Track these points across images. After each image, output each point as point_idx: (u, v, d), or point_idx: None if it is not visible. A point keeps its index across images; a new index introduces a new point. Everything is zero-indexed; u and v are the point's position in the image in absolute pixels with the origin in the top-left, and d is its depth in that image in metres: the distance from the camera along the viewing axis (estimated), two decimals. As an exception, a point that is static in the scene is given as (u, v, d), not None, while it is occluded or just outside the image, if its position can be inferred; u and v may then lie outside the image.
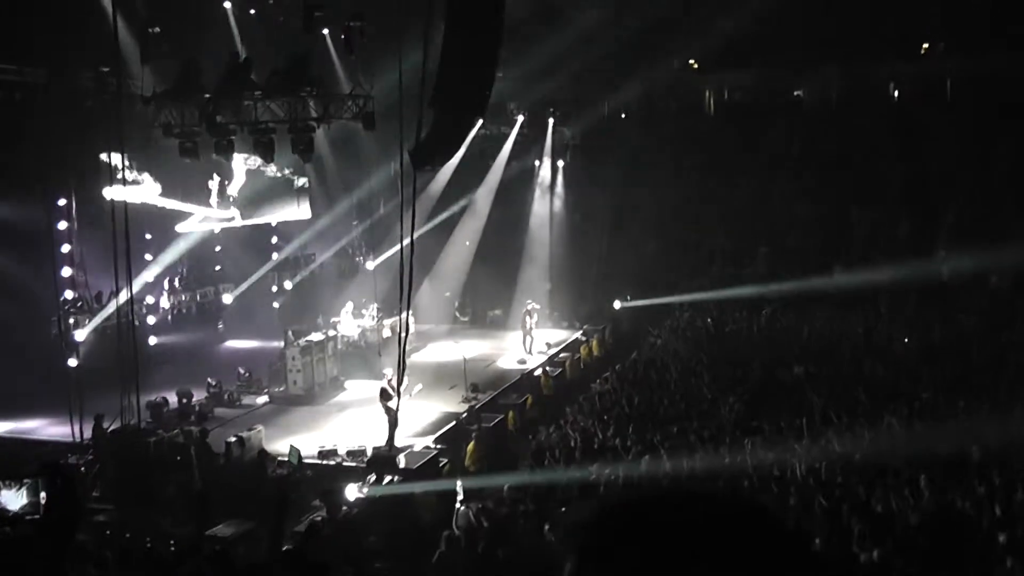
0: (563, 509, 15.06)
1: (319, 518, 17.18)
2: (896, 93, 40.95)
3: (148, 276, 28.09)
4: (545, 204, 39.59)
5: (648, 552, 1.64)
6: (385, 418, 21.19)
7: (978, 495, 15.68)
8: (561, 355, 31.02)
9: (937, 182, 37.02)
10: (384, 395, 21.55)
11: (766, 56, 37.48)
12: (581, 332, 33.81)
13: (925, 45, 39.87)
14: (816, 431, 19.86)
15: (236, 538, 16.41)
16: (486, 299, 37.03)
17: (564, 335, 34.13)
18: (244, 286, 32.52)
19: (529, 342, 31.45)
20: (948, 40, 38.63)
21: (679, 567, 1.62)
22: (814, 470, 17.30)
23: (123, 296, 22.71)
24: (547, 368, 28.61)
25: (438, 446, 21.29)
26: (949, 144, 36.29)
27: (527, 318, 31.60)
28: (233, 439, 20.75)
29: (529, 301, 32.46)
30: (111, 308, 24.90)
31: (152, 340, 28.70)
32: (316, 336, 27.78)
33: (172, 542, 15.64)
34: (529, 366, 29.73)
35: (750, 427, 20.57)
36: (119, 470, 19.45)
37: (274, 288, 34.91)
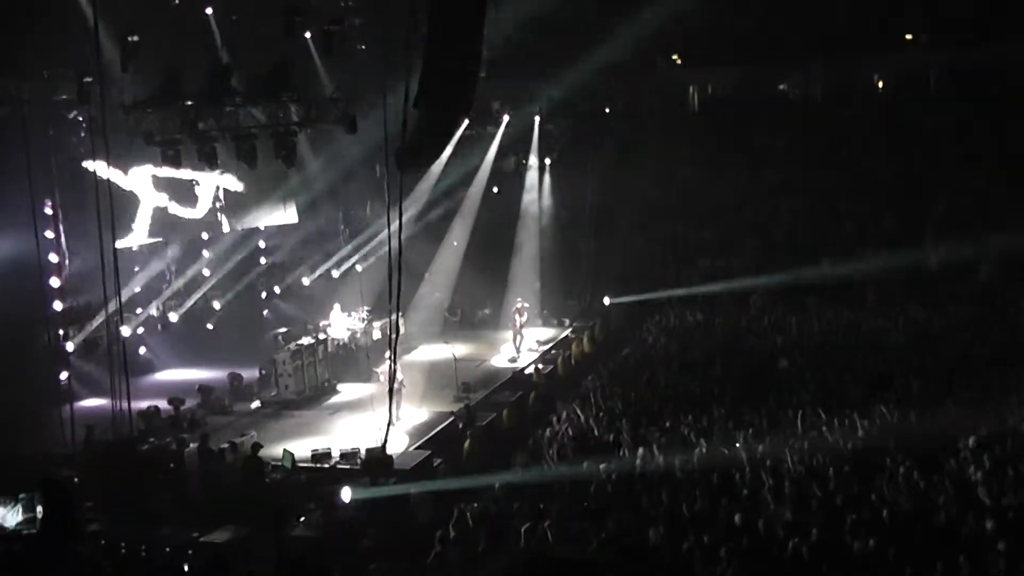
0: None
1: (315, 521, 17.18)
2: (880, 85, 41.04)
3: (136, 286, 28.02)
4: (533, 202, 39.56)
5: None
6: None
7: (969, 482, 15.78)
8: (552, 352, 31.05)
9: (924, 174, 37.12)
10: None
11: (749, 50, 37.53)
12: (571, 329, 33.84)
13: (908, 36, 39.93)
14: (808, 422, 19.92)
15: (231, 544, 16.40)
16: (475, 299, 37.00)
17: (554, 332, 34.18)
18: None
19: (519, 340, 31.44)
20: (931, 31, 38.74)
21: None
22: (806, 461, 17.35)
23: (112, 306, 22.66)
24: (539, 366, 28.64)
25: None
26: (934, 135, 36.41)
27: (517, 316, 31.60)
28: (226, 445, 20.72)
29: (519, 299, 32.46)
30: (100, 318, 24.83)
31: (142, 350, 28.65)
32: (306, 340, 27.76)
33: (167, 549, 15.61)
34: (519, 364, 29.75)
35: (742, 420, 20.59)
36: (112, 480, 19.37)
37: (263, 294, 34.86)
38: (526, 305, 32.41)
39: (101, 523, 17.46)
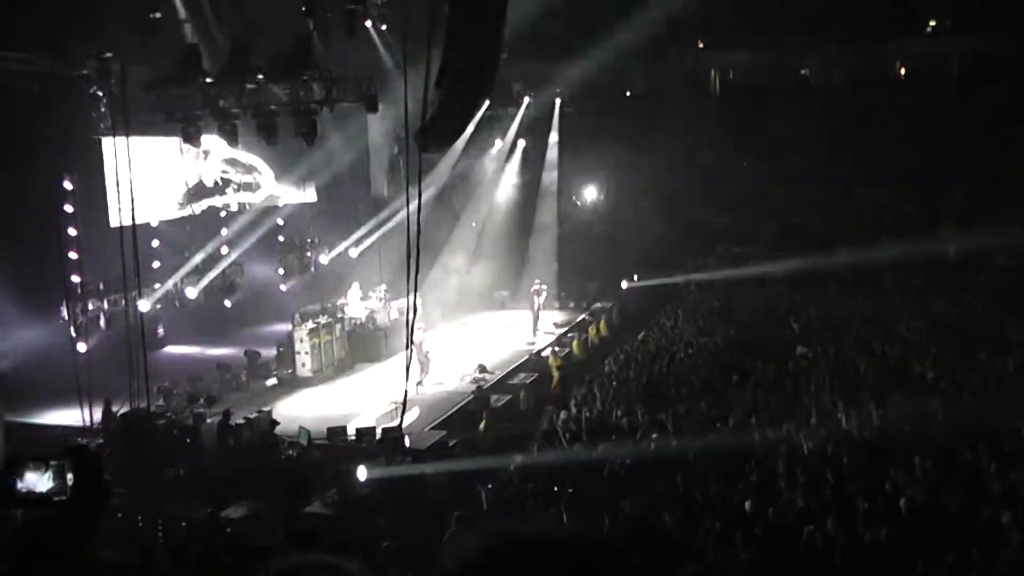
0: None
1: (329, 498, 17.25)
2: (902, 71, 40.78)
3: (154, 262, 28.10)
4: (552, 184, 39.53)
5: None
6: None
7: (982, 473, 15.75)
8: (569, 335, 31.08)
9: (944, 160, 36.92)
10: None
11: (772, 35, 37.33)
12: (588, 312, 33.86)
13: (932, 23, 39.67)
14: (823, 411, 19.91)
15: (246, 519, 16.49)
16: (494, 279, 37.05)
17: (571, 315, 34.23)
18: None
19: (536, 322, 31.51)
20: (954, 17, 38.46)
21: None
22: (821, 449, 17.34)
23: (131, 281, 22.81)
24: (555, 348, 28.68)
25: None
26: (956, 122, 36.18)
27: (535, 298, 31.69)
28: (242, 421, 20.83)
29: (536, 281, 32.52)
30: (120, 295, 24.93)
31: (160, 331, 28.77)
32: (323, 318, 27.85)
33: (183, 523, 15.71)
34: (536, 346, 29.84)
35: (758, 406, 20.57)
36: (129, 453, 19.52)
37: (281, 271, 34.91)
38: (544, 287, 32.48)
39: (118, 497, 17.61)
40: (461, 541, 1.80)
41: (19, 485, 3.24)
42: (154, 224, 28.05)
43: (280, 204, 33.78)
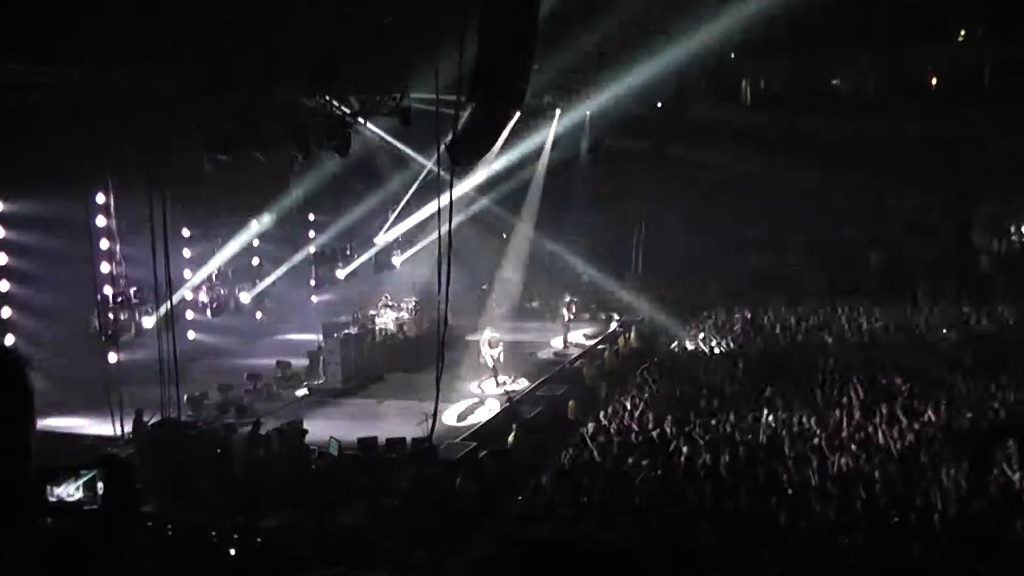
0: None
1: (360, 508, 17.28)
2: (934, 81, 40.46)
3: (187, 273, 28.24)
4: (581, 195, 39.47)
5: None
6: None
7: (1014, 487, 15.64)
8: (599, 346, 31.07)
9: (976, 170, 36.72)
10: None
11: (802, 44, 37.11)
12: (619, 323, 33.84)
13: (963, 32, 39.36)
14: (854, 422, 19.81)
15: (277, 530, 16.53)
16: (524, 291, 37.06)
17: (601, 327, 34.26)
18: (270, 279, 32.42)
19: (567, 335, 31.59)
20: (986, 26, 38.14)
21: None
22: (853, 462, 17.27)
23: (163, 292, 22.97)
24: (587, 360, 28.73)
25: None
26: (987, 132, 35.96)
27: (565, 311, 31.79)
28: (273, 431, 20.90)
29: (567, 294, 32.62)
30: (152, 305, 25.10)
31: (191, 335, 28.85)
32: (354, 329, 27.93)
33: (214, 533, 15.77)
34: (566, 357, 29.96)
35: (789, 418, 20.47)
36: (160, 464, 19.61)
37: (312, 282, 34.95)
38: (575, 300, 32.58)
39: (149, 505, 17.71)
40: (476, 545, 1.81)
41: (51, 494, 3.27)
42: (186, 234, 28.20)
43: (311, 216, 33.85)
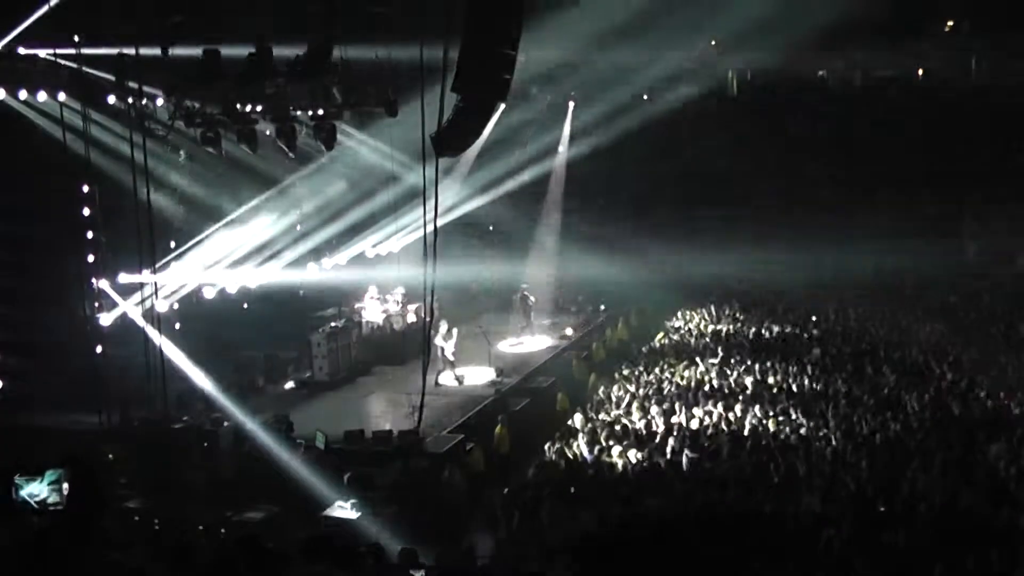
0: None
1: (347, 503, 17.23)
2: (921, 73, 40.49)
3: (174, 263, 28.05)
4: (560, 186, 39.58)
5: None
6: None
7: (1001, 477, 15.74)
8: (587, 338, 31.06)
9: (963, 163, 36.84)
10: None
11: (790, 36, 37.05)
12: (605, 315, 33.82)
13: (950, 23, 39.37)
14: (841, 413, 19.95)
15: (263, 523, 16.51)
16: (510, 283, 36.95)
17: (586, 318, 34.24)
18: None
19: (525, 325, 31.47)
20: (973, 19, 38.17)
21: None
22: (840, 453, 17.38)
23: (147, 283, 22.88)
24: (577, 351, 28.69)
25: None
26: (975, 124, 36.06)
27: (523, 302, 31.60)
28: (259, 424, 20.85)
29: (523, 285, 32.42)
30: (136, 296, 24.91)
31: (177, 326, 28.67)
32: (341, 322, 27.85)
33: (200, 527, 15.73)
34: (535, 348, 30.03)
35: (776, 410, 20.56)
36: (146, 458, 19.57)
37: (300, 274, 34.68)
38: (529, 290, 32.32)
39: (135, 501, 17.67)
40: (579, 520, 1.79)
41: (18, 494, 3.24)
42: (175, 224, 28.03)
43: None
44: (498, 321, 32.63)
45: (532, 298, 31.96)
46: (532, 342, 30.90)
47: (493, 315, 33.84)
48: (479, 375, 26.27)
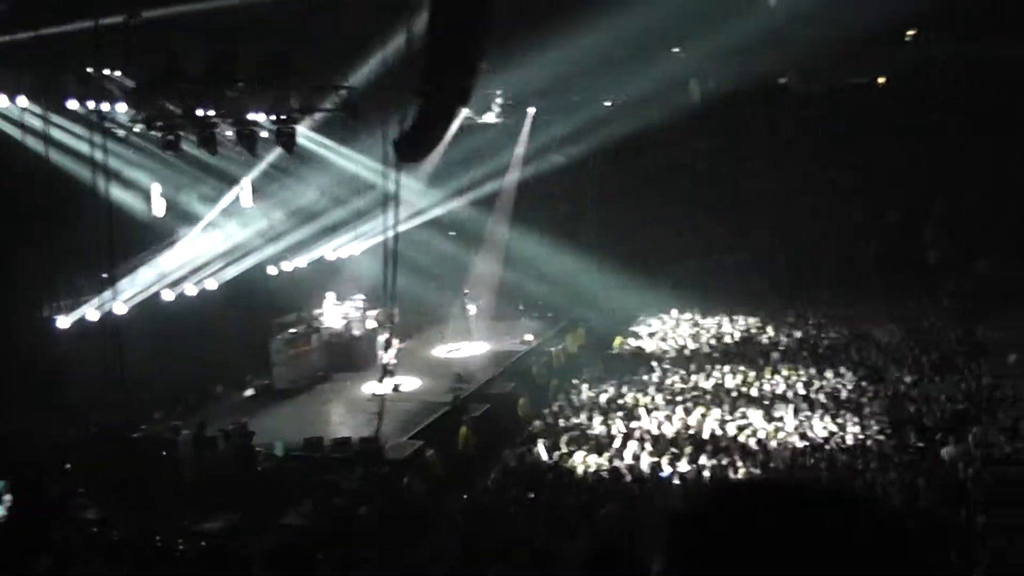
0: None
1: (306, 509, 17.16)
2: (883, 80, 40.69)
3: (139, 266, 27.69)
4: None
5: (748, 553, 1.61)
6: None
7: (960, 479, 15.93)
8: (547, 344, 31.08)
9: (926, 169, 37.15)
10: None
11: (752, 43, 37.07)
12: (567, 321, 33.81)
13: (911, 32, 39.55)
14: (800, 416, 20.10)
15: (223, 531, 16.39)
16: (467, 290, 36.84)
17: (543, 325, 34.17)
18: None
19: (469, 330, 31.54)
20: (936, 26, 38.38)
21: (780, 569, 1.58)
22: (797, 456, 17.51)
23: (108, 286, 22.62)
24: (535, 357, 28.70)
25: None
26: (938, 130, 36.39)
27: (464, 307, 31.58)
28: (219, 433, 20.67)
29: (465, 290, 32.35)
30: (95, 299, 24.60)
31: (137, 330, 28.32)
32: (300, 328, 27.68)
33: (159, 537, 15.60)
34: (477, 353, 30.04)
35: (734, 414, 20.74)
36: (104, 466, 19.35)
37: (261, 277, 34.33)
38: (468, 293, 32.30)
39: (95, 509, 17.46)
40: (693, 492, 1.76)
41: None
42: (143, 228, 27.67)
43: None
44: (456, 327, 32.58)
45: (472, 307, 31.94)
46: (471, 348, 30.82)
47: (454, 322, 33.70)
48: (433, 382, 26.18)
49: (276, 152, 26.78)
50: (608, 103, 37.00)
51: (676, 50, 35.51)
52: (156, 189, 26.45)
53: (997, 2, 30.20)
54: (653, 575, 1.66)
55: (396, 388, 25.09)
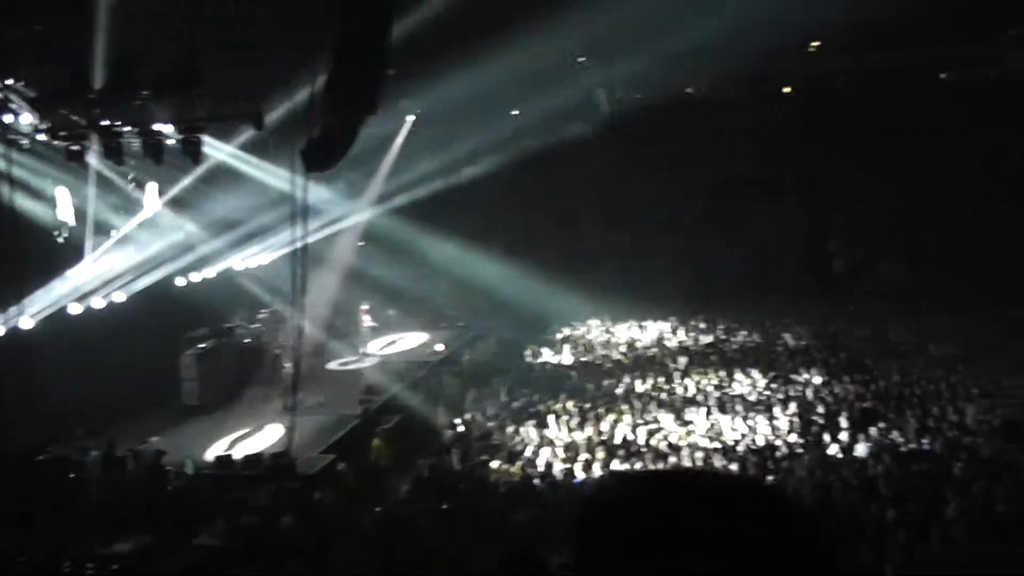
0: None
1: (218, 529, 16.91)
2: (788, 90, 41.19)
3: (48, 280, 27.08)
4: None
5: (653, 528, 1.58)
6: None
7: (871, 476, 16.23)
8: (457, 353, 31.12)
9: (832, 178, 37.82)
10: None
11: (658, 52, 37.24)
12: (474, 333, 33.77)
13: (815, 43, 40.11)
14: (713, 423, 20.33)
15: (133, 554, 16.07)
16: (382, 301, 36.55)
17: (455, 333, 34.15)
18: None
19: (366, 341, 31.57)
20: (839, 38, 38.97)
21: (682, 545, 1.56)
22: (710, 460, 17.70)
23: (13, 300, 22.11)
24: (448, 367, 28.69)
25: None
26: (843, 139, 37.00)
27: (363, 317, 31.52)
28: (128, 453, 20.26)
29: (364, 303, 32.26)
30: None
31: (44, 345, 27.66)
32: (210, 342, 27.26)
33: (67, 563, 15.26)
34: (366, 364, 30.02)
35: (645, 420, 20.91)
36: (10, 491, 18.84)
37: (170, 289, 33.72)
38: (366, 308, 32.23)
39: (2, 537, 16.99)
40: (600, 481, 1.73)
41: None
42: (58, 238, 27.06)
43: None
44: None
45: (368, 319, 31.84)
46: (378, 358, 30.91)
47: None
48: (341, 395, 26.00)
49: (188, 163, 26.34)
50: (516, 112, 36.80)
51: (582, 59, 35.49)
52: (65, 199, 25.85)
53: (896, 17, 30.69)
54: (556, 565, 1.64)
55: (305, 402, 24.80)
